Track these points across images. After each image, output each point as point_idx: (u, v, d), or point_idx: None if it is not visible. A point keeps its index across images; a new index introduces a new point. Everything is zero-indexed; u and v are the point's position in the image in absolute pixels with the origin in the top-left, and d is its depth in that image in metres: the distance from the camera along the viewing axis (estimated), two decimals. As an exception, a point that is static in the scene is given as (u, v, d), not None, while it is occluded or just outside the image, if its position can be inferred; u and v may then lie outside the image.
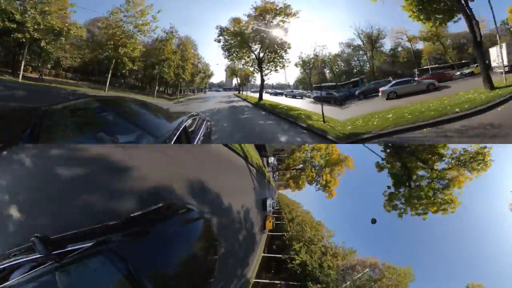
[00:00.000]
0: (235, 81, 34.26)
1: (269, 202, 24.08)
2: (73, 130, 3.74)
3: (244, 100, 26.74)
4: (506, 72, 20.41)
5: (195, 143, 4.71)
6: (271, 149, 34.09)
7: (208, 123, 6.94)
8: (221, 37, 22.75)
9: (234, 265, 10.71)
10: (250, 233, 14.67)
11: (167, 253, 3.30)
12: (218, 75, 38.47)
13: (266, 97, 26.78)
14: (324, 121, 14.04)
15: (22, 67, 18.94)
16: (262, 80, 24.35)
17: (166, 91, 29.55)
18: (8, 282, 2.87)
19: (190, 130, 4.63)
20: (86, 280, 2.79)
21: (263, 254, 19.55)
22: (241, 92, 31.07)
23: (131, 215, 4.01)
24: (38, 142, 3.27)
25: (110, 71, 22.79)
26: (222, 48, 23.44)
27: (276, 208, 32.35)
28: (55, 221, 4.21)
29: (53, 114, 3.95)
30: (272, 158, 38.44)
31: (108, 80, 22.76)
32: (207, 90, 37.36)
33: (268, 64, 23.86)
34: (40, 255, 2.92)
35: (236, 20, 22.34)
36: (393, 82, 20.67)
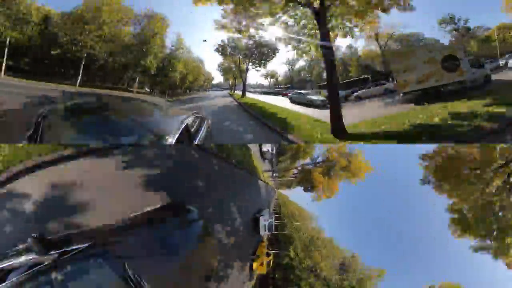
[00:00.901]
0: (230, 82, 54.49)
1: (263, 221, 14.26)
2: (75, 129, 3.70)
3: (227, 93, 48.13)
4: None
5: (196, 143, 4.65)
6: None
7: (209, 122, 6.87)
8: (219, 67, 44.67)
9: None
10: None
11: (165, 254, 3.26)
12: (219, 76, 55.94)
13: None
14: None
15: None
16: (235, 85, 47.19)
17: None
18: (5, 283, 2.83)
19: (192, 129, 4.58)
20: (82, 280, 2.75)
21: None
22: (232, 90, 48.65)
23: (130, 215, 3.96)
24: (40, 142, 3.25)
25: (180, 84, 41.63)
26: (219, 71, 45.63)
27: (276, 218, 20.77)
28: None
29: (55, 113, 3.94)
30: (268, 146, 30.77)
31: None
32: (209, 89, 55.06)
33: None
34: (37, 256, 2.88)
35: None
36: (296, 91, 27.17)
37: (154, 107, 5.30)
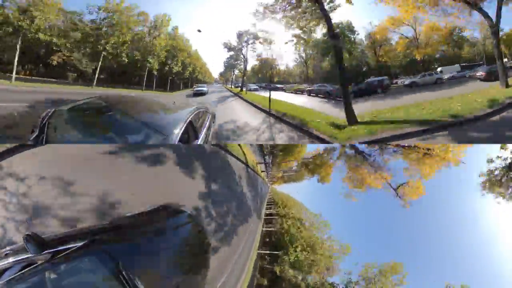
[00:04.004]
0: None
1: None
2: (79, 130, 3.71)
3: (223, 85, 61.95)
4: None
5: (200, 140, 4.52)
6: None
7: (213, 114, 6.77)
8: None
9: None
10: None
11: (159, 254, 3.24)
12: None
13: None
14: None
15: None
16: (232, 80, 57.16)
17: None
18: None
19: (196, 125, 4.47)
20: (76, 279, 2.71)
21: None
22: (226, 84, 62.51)
23: (124, 215, 3.94)
24: (46, 143, 3.27)
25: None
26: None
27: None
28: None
29: (60, 114, 3.94)
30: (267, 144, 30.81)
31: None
32: (213, 83, 73.04)
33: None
34: (31, 255, 2.79)
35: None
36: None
37: (157, 104, 5.21)
